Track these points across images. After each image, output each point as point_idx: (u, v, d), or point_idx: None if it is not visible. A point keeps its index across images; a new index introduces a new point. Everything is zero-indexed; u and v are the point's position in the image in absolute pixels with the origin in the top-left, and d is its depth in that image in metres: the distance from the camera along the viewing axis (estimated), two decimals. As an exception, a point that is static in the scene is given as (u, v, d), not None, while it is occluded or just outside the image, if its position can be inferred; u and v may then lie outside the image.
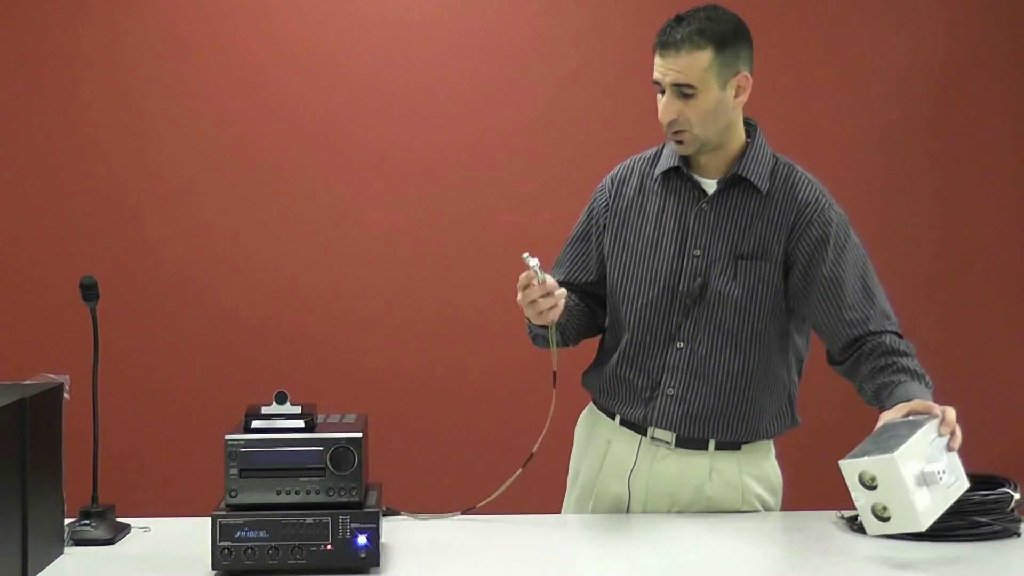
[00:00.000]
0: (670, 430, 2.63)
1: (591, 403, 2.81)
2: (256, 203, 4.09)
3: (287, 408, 2.25)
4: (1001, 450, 4.06)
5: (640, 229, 2.66)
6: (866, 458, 2.20)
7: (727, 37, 2.52)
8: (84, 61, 4.07)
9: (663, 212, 2.64)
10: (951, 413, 2.36)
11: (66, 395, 2.41)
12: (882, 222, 4.15)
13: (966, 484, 2.27)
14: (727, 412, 2.62)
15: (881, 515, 2.20)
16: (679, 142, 2.56)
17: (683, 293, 2.60)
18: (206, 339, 4.08)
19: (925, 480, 2.20)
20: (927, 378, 2.54)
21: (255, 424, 2.23)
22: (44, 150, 4.06)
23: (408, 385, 4.10)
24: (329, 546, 2.17)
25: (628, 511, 2.67)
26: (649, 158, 2.72)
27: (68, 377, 2.44)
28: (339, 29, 4.10)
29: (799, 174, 2.65)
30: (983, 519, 2.38)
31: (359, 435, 2.21)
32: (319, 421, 2.30)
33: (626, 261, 2.66)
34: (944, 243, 4.16)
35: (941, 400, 4.11)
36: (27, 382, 2.36)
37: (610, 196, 2.71)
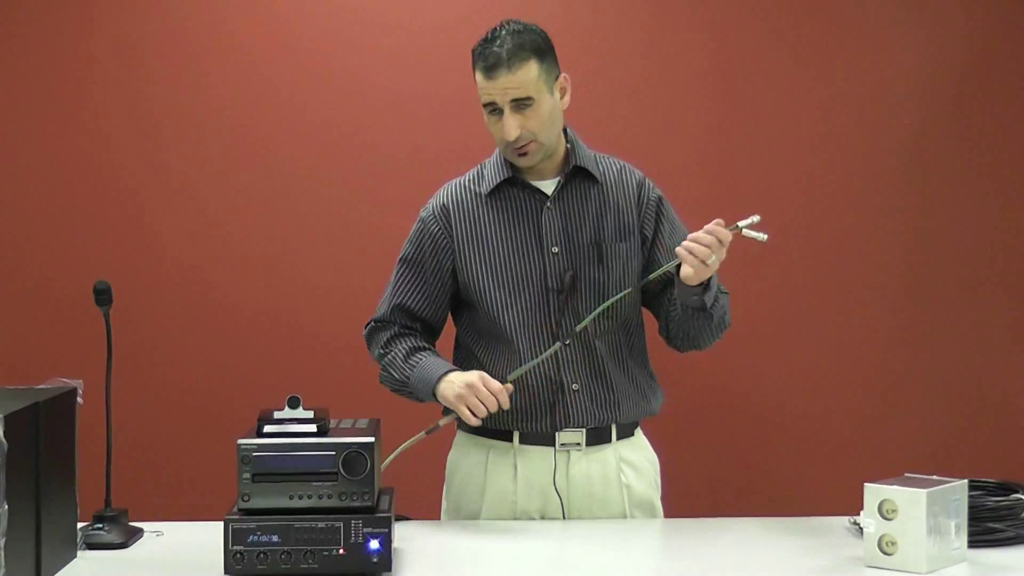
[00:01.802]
0: (579, 428, 2.67)
1: (461, 437, 2.81)
2: (269, 208, 4.09)
3: (300, 413, 2.25)
4: (1014, 457, 4.05)
5: (491, 244, 2.70)
6: (895, 487, 2.23)
7: (542, 46, 2.64)
8: (96, 66, 4.07)
9: (508, 222, 2.71)
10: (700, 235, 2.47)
11: (79, 399, 2.42)
12: (892, 226, 4.14)
13: (966, 557, 2.29)
14: (626, 393, 2.72)
15: (886, 549, 2.23)
16: (523, 154, 2.64)
17: (554, 290, 2.67)
18: (219, 343, 4.08)
19: (939, 530, 2.23)
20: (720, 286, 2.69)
21: (268, 429, 2.24)
22: (56, 155, 4.07)
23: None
24: (341, 550, 2.17)
25: (564, 516, 2.69)
26: (471, 180, 2.79)
27: (81, 381, 2.45)
28: (350, 33, 4.10)
29: (616, 160, 2.79)
30: (996, 525, 2.38)
31: (371, 440, 2.22)
32: (332, 426, 2.30)
33: (489, 278, 2.70)
34: (960, 247, 4.14)
35: (957, 409, 4.11)
36: (41, 386, 2.37)
37: (444, 223, 2.74)
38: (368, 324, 2.84)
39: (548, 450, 2.68)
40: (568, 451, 2.68)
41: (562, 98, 2.69)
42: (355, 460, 2.20)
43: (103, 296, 2.52)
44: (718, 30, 4.10)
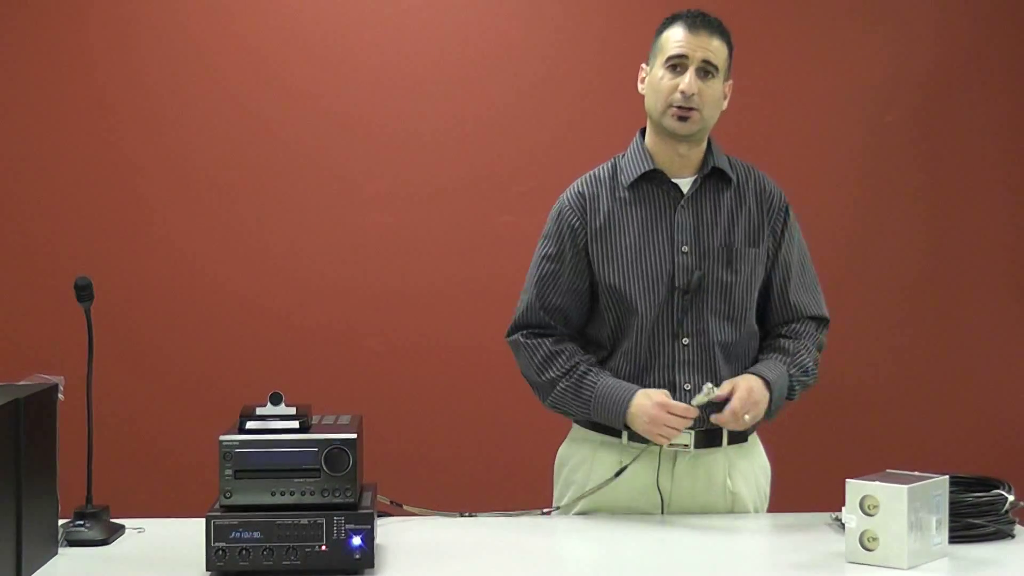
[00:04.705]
0: (689, 431, 2.65)
1: (576, 430, 2.80)
2: (252, 205, 4.08)
3: (282, 409, 2.25)
4: (995, 452, 4.07)
5: (623, 238, 2.70)
6: (877, 483, 2.24)
7: (731, 45, 2.73)
8: (86, 57, 4.06)
9: (642, 218, 2.71)
10: (739, 401, 2.56)
11: (60, 396, 2.41)
12: (875, 223, 4.15)
13: (947, 552, 2.30)
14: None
15: (867, 545, 2.24)
16: (684, 119, 2.65)
17: (680, 290, 2.66)
18: (201, 340, 4.07)
19: (920, 526, 2.23)
20: (800, 359, 2.74)
21: (250, 425, 2.23)
22: (39, 149, 4.06)
23: (404, 387, 4.10)
24: (324, 547, 2.17)
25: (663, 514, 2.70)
26: (607, 172, 2.77)
27: (63, 377, 2.44)
28: (348, 26, 4.09)
29: (751, 166, 2.80)
30: (977, 521, 2.39)
31: (353, 436, 2.21)
32: (314, 422, 2.30)
33: (618, 271, 2.69)
34: (937, 244, 4.16)
35: (938, 405, 4.13)
36: (21, 383, 2.36)
37: (580, 213, 2.73)
38: (513, 331, 2.78)
39: (655, 449, 2.67)
40: (676, 452, 2.67)
41: (724, 98, 2.72)
42: (337, 456, 2.19)
43: (84, 292, 2.51)
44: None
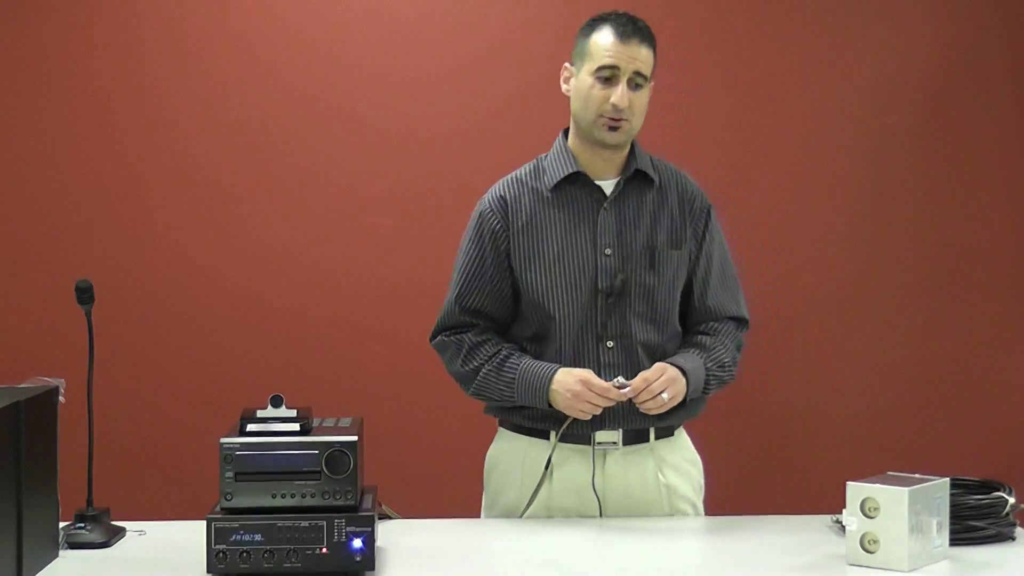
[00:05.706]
0: (616, 428, 2.66)
1: (503, 433, 2.80)
2: (253, 207, 4.09)
3: (283, 411, 2.25)
4: (996, 455, 4.07)
5: (546, 241, 2.69)
6: (877, 485, 2.24)
7: (655, 48, 2.69)
8: (87, 58, 4.06)
9: (565, 221, 2.70)
10: (646, 377, 2.56)
11: (61, 398, 2.41)
12: (876, 225, 4.15)
13: (948, 555, 2.30)
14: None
15: (868, 547, 2.24)
16: (614, 128, 2.63)
17: (603, 292, 2.66)
18: (202, 342, 4.07)
19: (921, 528, 2.23)
20: (716, 354, 2.72)
21: (250, 427, 2.23)
22: (39, 150, 4.06)
23: (406, 389, 4.10)
24: (324, 549, 2.17)
25: (601, 516, 2.68)
26: (529, 174, 2.76)
27: (63, 380, 2.44)
28: (348, 27, 4.09)
29: (672, 166, 2.80)
30: (978, 523, 2.39)
31: (354, 439, 2.22)
32: (315, 424, 2.30)
33: (541, 274, 2.69)
34: (939, 245, 4.16)
35: (939, 407, 4.12)
36: (22, 385, 2.36)
37: (502, 216, 2.72)
38: (436, 333, 2.80)
39: (585, 449, 2.67)
40: (605, 450, 2.67)
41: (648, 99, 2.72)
42: (338, 459, 2.19)
43: (85, 295, 2.51)
44: (712, 30, 4.11)
